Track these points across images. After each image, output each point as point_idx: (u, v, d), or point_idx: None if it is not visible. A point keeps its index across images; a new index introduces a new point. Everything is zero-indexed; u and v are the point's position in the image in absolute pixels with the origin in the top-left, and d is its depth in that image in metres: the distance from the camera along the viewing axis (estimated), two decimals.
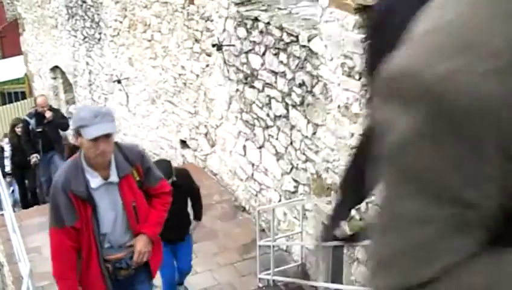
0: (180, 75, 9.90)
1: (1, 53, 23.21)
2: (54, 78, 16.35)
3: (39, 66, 17.09)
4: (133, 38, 11.25)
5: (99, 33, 12.65)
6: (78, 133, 3.88)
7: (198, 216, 6.29)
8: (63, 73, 15.65)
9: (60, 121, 10.62)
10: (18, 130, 10.66)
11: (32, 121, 10.20)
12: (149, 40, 10.67)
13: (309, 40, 6.48)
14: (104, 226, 4.07)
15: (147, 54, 10.84)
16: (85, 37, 13.41)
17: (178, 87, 10.07)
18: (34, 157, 10.34)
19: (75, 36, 13.90)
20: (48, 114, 10.25)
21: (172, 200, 4.60)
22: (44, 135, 10.30)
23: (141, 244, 4.18)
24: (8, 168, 10.94)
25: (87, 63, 13.64)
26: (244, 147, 8.28)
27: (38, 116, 10.26)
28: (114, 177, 4.02)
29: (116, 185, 4.04)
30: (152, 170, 4.33)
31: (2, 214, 9.34)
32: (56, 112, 11.49)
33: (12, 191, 11.68)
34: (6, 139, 11.32)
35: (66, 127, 10.46)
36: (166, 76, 10.37)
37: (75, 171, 3.95)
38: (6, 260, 8.60)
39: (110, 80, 12.52)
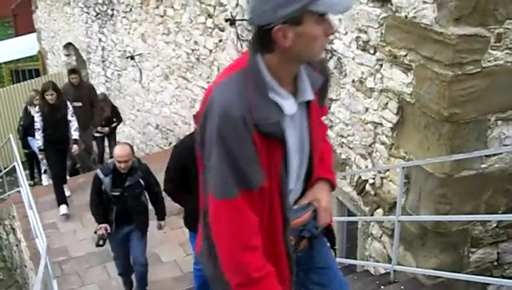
0: (193, 50, 9.87)
1: (14, 31, 23.23)
2: (68, 55, 16.37)
3: (52, 44, 17.11)
4: (146, 14, 11.21)
5: (112, 9, 12.61)
6: (298, 17, 2.16)
7: None
8: (76, 50, 15.66)
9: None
10: (49, 97, 8.55)
11: (107, 180, 6.24)
12: (162, 16, 10.63)
13: None
14: (292, 179, 2.51)
15: (160, 29, 10.81)
16: (97, 14, 13.38)
17: (191, 63, 10.04)
18: (102, 229, 6.31)
19: (88, 13, 13.88)
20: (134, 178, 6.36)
21: None
22: (121, 202, 6.35)
23: (326, 198, 2.69)
24: (39, 142, 8.76)
25: (100, 40, 13.63)
26: None
27: (117, 174, 6.25)
28: (307, 94, 2.40)
29: (304, 109, 2.44)
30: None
31: (19, 191, 9.42)
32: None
33: (45, 170, 10.88)
34: (37, 108, 8.99)
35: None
36: (180, 52, 10.33)
37: (257, 92, 2.24)
38: (23, 236, 8.69)
39: (123, 56, 12.50)
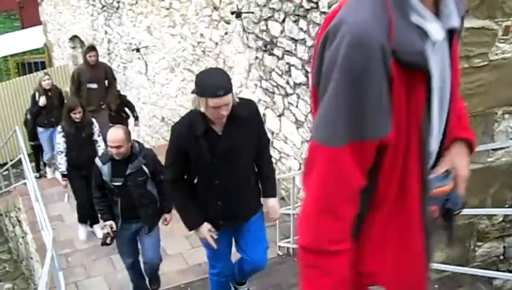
0: (199, 43, 9.85)
1: (20, 23, 23.25)
2: (73, 48, 16.38)
3: (58, 36, 17.12)
4: (152, 6, 11.20)
5: (118, 2, 12.61)
6: None
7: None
8: (82, 42, 15.66)
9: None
10: (77, 116, 7.35)
11: (106, 168, 5.69)
12: (167, 8, 10.61)
13: (329, 7, 6.39)
14: (433, 132, 1.92)
15: (166, 22, 10.79)
16: (103, 6, 13.38)
17: (197, 55, 10.02)
18: (106, 227, 5.86)
19: (94, 5, 13.88)
20: (137, 163, 5.74)
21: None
22: (125, 193, 5.76)
23: (466, 165, 2.14)
24: (62, 167, 7.47)
25: (106, 32, 13.63)
26: (264, 115, 8.24)
27: (116, 162, 5.68)
28: (453, 20, 1.86)
29: (446, 41, 1.89)
30: None
31: (25, 183, 9.45)
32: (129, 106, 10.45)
33: (47, 164, 10.60)
34: (59, 128, 7.52)
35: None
36: (185, 44, 10.32)
37: (397, 14, 1.75)
38: (29, 228, 8.71)
39: (128, 48, 12.50)
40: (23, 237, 9.81)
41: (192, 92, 4.14)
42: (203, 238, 4.51)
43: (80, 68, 9.95)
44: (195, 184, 4.39)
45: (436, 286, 5.27)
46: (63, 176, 7.55)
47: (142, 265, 6.26)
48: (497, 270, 5.41)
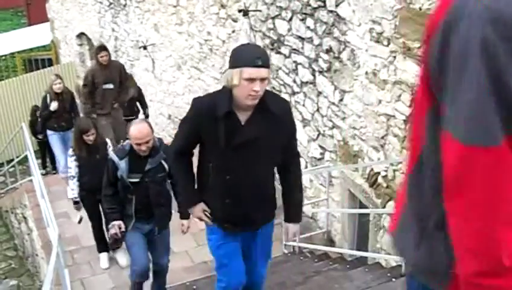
0: (206, 41, 9.85)
1: (28, 20, 23.30)
2: (80, 45, 16.40)
3: (65, 33, 17.15)
4: (159, 4, 11.20)
5: None
6: None
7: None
8: (89, 39, 15.69)
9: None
10: (90, 138, 6.66)
11: (123, 164, 5.26)
12: (174, 6, 10.62)
13: (337, 5, 6.38)
14: None
15: (173, 19, 10.79)
16: (110, 3, 13.39)
17: (204, 53, 10.02)
18: (114, 227, 5.35)
19: (101, 2, 13.89)
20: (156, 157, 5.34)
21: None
22: (141, 190, 5.35)
23: None
24: (74, 193, 6.76)
25: (113, 30, 13.64)
26: None
27: (135, 157, 5.26)
28: None
29: None
30: None
31: (31, 180, 9.46)
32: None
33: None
34: (70, 151, 6.77)
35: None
36: (192, 42, 10.32)
37: None
38: (35, 225, 8.73)
39: (135, 46, 12.51)
40: (28, 234, 9.83)
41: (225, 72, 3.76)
42: (197, 219, 4.18)
43: (93, 69, 9.48)
44: (204, 175, 3.98)
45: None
46: (75, 203, 6.83)
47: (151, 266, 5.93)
48: None
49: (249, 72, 3.54)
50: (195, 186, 4.11)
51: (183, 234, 5.66)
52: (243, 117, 3.74)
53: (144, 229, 5.51)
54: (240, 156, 3.79)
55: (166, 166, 5.29)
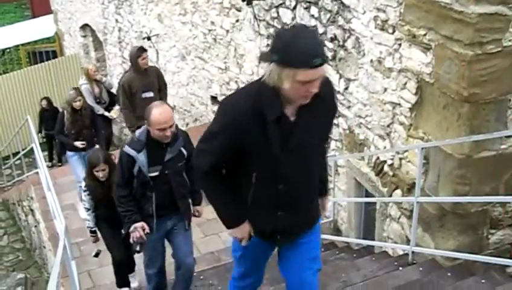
0: (210, 30, 9.82)
1: (31, 13, 23.29)
2: (84, 36, 16.39)
3: (69, 25, 17.13)
4: None
5: None
6: None
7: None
8: (92, 31, 15.67)
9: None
10: (100, 174, 5.88)
11: (142, 157, 4.81)
12: None
13: None
14: None
15: (176, 10, 10.76)
16: None
17: (208, 43, 9.99)
18: (138, 230, 4.93)
19: None
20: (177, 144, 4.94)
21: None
22: (161, 184, 4.95)
23: None
24: (91, 224, 6.23)
25: (117, 21, 13.61)
26: None
27: (153, 147, 4.85)
28: None
29: None
30: None
31: (37, 172, 9.48)
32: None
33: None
34: (83, 185, 6.20)
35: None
36: (196, 32, 10.29)
37: None
38: (42, 217, 8.76)
39: (139, 37, 12.49)
40: (35, 226, 9.86)
41: (266, 60, 3.02)
42: (237, 240, 3.61)
43: (128, 77, 8.36)
44: (243, 188, 3.35)
45: (448, 274, 5.25)
46: (92, 232, 6.29)
47: (171, 269, 5.58)
48: (511, 258, 5.37)
49: (305, 74, 2.88)
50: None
51: (198, 217, 5.37)
52: (290, 112, 3.12)
53: (167, 226, 5.10)
54: (294, 161, 3.24)
55: (185, 152, 4.88)
